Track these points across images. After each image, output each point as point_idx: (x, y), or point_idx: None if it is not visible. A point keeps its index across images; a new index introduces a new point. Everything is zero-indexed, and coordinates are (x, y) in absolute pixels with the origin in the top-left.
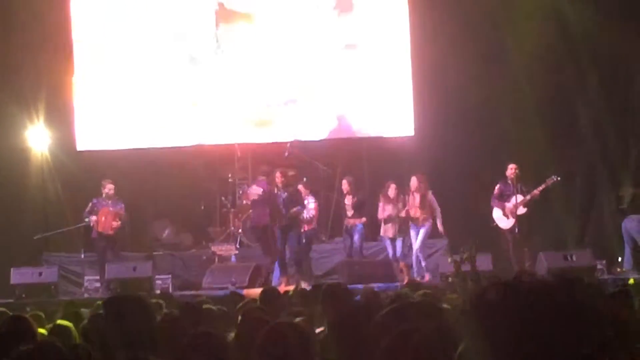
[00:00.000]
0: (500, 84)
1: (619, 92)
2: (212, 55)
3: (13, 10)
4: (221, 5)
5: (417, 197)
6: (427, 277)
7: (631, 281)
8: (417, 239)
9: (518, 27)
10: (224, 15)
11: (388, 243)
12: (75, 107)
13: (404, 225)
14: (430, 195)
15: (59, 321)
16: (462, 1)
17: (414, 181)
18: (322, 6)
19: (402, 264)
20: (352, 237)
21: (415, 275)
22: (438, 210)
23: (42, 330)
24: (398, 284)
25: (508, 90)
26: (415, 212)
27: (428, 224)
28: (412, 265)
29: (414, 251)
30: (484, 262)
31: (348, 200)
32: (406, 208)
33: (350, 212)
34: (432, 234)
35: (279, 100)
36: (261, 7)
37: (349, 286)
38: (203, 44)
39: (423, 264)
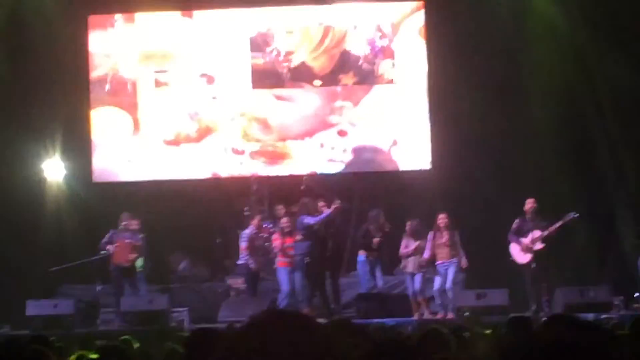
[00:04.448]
0: (518, 118)
1: (637, 126)
2: (231, 89)
3: (31, 43)
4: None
5: (446, 234)
6: (441, 315)
7: None
8: (445, 277)
9: (536, 60)
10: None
11: (408, 278)
12: (92, 139)
13: (423, 261)
14: (457, 234)
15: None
16: (478, 34)
17: (444, 218)
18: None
19: (421, 299)
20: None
21: (440, 311)
22: (462, 253)
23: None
24: (414, 318)
25: (526, 124)
26: (445, 250)
27: (456, 261)
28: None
29: (446, 289)
30: (500, 297)
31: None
32: (429, 248)
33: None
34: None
35: (296, 133)
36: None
37: (363, 321)
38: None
39: (451, 303)
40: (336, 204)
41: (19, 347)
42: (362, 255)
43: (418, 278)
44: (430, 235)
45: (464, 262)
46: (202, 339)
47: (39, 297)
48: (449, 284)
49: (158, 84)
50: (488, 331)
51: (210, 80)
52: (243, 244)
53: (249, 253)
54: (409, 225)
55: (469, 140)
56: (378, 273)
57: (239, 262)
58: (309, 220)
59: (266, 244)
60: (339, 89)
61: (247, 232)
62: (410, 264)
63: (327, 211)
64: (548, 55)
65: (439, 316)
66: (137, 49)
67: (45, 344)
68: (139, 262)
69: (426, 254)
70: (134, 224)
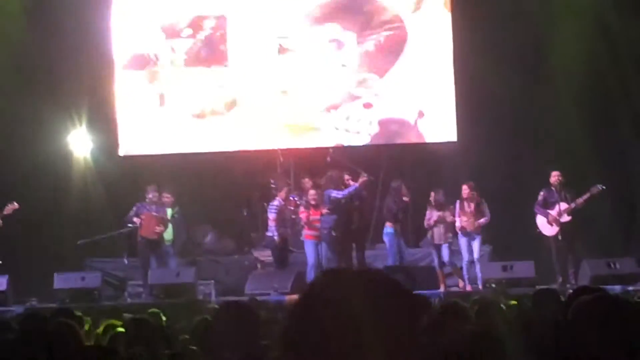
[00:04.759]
0: (544, 89)
1: None
2: (258, 61)
3: (56, 16)
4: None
5: (472, 205)
6: (469, 287)
7: None
8: (471, 248)
9: (560, 32)
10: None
11: (434, 249)
12: (117, 112)
13: (450, 232)
14: (484, 203)
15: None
16: (503, 6)
17: (466, 189)
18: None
19: (448, 270)
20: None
21: (466, 283)
22: (488, 217)
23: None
24: (441, 291)
25: (551, 96)
26: (469, 221)
27: (479, 233)
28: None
29: (473, 260)
30: (526, 269)
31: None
32: (456, 217)
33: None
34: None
35: (321, 105)
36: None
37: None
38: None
39: (480, 274)
40: (363, 177)
41: (44, 319)
42: (389, 227)
43: (445, 249)
44: (457, 204)
45: (483, 221)
46: (231, 312)
47: (66, 270)
48: (476, 255)
49: (183, 56)
50: (513, 302)
51: (236, 52)
52: (272, 215)
53: (277, 225)
54: (432, 196)
55: (495, 112)
56: (402, 247)
57: (268, 233)
58: (336, 194)
59: (293, 216)
60: (363, 59)
61: (276, 203)
62: (435, 235)
63: (353, 185)
64: (573, 26)
65: (468, 288)
66: (160, 21)
67: (70, 317)
68: (168, 236)
69: (458, 224)
70: (166, 197)
